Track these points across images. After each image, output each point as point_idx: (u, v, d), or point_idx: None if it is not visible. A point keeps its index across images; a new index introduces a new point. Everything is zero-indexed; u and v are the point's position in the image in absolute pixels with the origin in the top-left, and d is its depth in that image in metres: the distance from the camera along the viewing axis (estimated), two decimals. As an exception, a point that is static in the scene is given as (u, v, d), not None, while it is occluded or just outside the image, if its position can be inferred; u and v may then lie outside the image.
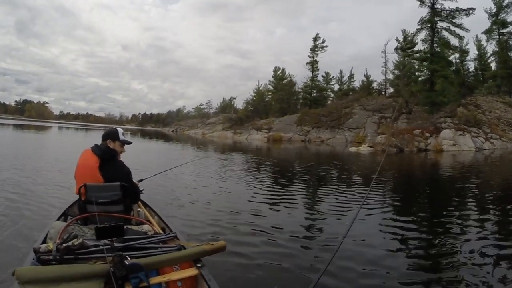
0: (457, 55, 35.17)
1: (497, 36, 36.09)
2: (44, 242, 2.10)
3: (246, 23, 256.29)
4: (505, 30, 35.38)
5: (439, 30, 30.37)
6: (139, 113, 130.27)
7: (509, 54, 34.18)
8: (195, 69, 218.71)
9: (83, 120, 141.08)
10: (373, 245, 3.96)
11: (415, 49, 43.65)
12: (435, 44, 30.40)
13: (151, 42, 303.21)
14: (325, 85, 55.69)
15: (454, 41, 30.97)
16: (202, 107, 79.90)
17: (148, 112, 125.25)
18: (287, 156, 20.58)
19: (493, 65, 42.04)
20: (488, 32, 36.46)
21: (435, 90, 29.14)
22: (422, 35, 31.50)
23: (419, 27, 31.38)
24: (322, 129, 41.07)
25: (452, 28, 29.53)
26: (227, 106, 71.29)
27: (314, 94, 52.74)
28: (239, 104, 71.30)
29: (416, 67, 33.02)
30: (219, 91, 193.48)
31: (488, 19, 36.18)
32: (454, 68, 31.98)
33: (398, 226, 4.84)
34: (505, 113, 28.84)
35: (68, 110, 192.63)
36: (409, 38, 33.11)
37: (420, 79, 33.08)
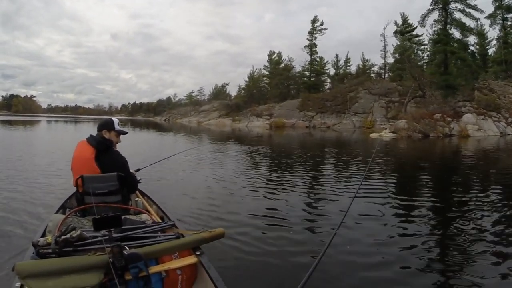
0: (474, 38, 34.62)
1: (501, 21, 36.02)
2: (43, 235, 2.07)
3: (235, 8, 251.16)
4: (509, 15, 35.33)
5: (452, 11, 29.73)
6: (129, 103, 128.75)
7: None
8: (184, 56, 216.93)
9: (72, 112, 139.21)
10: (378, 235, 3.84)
11: (418, 32, 45.05)
12: (448, 26, 29.76)
13: (138, 30, 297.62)
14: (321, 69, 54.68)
15: (468, 23, 30.43)
16: (194, 94, 77.69)
17: (138, 102, 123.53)
18: (297, 144, 19.05)
19: (491, 51, 42.70)
20: (491, 16, 36.23)
21: (449, 73, 28.64)
22: (434, 16, 30.75)
23: (431, 7, 30.58)
24: (327, 114, 40.23)
25: (467, 9, 28.92)
26: (219, 93, 69.09)
27: (313, 78, 51.53)
28: (232, 90, 69.40)
29: (429, 49, 32.21)
30: (209, 79, 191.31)
31: (492, 3, 35.90)
32: (469, 50, 31.54)
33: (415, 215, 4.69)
34: (519, 97, 28.92)
35: (57, 103, 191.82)
36: (418, 20, 32.06)
37: (434, 61, 32.39)
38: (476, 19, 29.92)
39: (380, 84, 40.28)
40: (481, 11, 29.43)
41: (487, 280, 2.73)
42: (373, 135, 25.15)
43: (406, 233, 3.94)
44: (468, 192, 6.33)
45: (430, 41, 35.31)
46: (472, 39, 39.07)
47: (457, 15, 29.80)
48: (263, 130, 35.16)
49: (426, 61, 43.38)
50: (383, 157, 11.50)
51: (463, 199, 5.77)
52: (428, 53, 45.68)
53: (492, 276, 2.80)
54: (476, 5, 28.84)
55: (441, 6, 29.78)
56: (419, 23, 32.74)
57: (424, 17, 31.66)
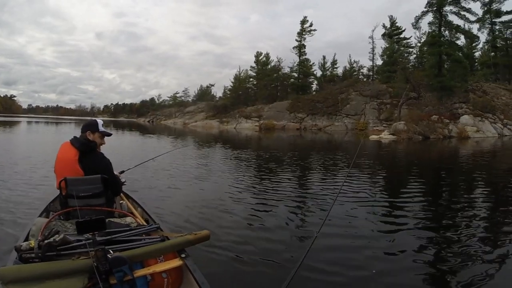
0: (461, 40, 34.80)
1: (490, 25, 36.51)
2: (26, 239, 2.03)
3: (221, 8, 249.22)
4: (498, 20, 35.87)
5: (446, 14, 29.70)
6: (111, 104, 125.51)
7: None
8: (168, 56, 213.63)
9: (53, 113, 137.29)
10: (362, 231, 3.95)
11: (406, 35, 45.35)
12: (442, 28, 29.71)
13: (122, 29, 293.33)
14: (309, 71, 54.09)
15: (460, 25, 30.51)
16: (178, 95, 75.18)
17: (120, 103, 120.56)
18: (289, 147, 18.13)
19: (477, 53, 43.37)
20: (480, 20, 36.68)
21: (444, 75, 28.50)
22: (428, 18, 30.70)
23: (425, 9, 30.56)
24: (318, 116, 39.42)
25: (462, 12, 28.96)
26: (204, 94, 67.39)
27: (301, 80, 50.83)
28: (217, 92, 67.88)
29: (417, 51, 32.10)
30: (193, 80, 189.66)
31: (481, 8, 36.39)
32: (463, 52, 31.58)
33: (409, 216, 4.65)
34: (511, 99, 29.09)
35: (38, 103, 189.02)
36: (415, 24, 32.00)
37: (427, 63, 32.28)
38: (471, 22, 30.00)
39: (371, 86, 39.85)
40: (475, 14, 29.58)
41: (475, 280, 2.76)
42: (373, 137, 24.43)
43: (391, 233, 3.97)
44: (473, 193, 6.43)
45: (419, 43, 35.22)
46: (459, 42, 39.66)
47: (451, 17, 29.89)
48: (253, 132, 34.03)
49: (412, 63, 43.69)
50: (388, 159, 11.74)
51: (464, 200, 5.84)
52: (415, 55, 46.59)
53: (480, 277, 2.81)
54: (470, 8, 28.97)
55: (435, 8, 29.72)
56: (412, 25, 32.80)
57: (418, 19, 31.71)
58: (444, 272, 2.95)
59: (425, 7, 30.38)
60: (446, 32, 29.37)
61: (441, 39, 29.23)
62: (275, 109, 42.93)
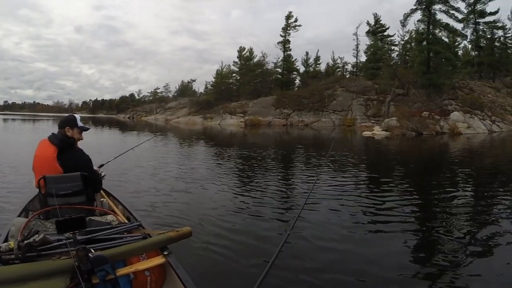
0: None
1: (474, 25, 37.00)
2: (5, 240, 1.96)
3: (203, 3, 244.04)
4: (482, 20, 36.44)
5: (435, 12, 29.69)
6: (90, 100, 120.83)
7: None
8: (148, 51, 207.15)
9: (30, 109, 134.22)
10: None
11: (389, 33, 45.59)
12: (430, 26, 29.69)
13: (101, 22, 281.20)
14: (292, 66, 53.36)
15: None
16: (159, 91, 72.41)
17: (99, 99, 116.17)
18: (278, 144, 17.85)
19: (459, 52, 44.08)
20: (464, 20, 37.03)
21: (433, 72, 28.50)
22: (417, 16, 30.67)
23: (414, 7, 30.45)
24: (304, 112, 38.78)
25: (451, 11, 29.00)
26: (186, 89, 65.28)
27: (285, 76, 50.05)
28: (199, 87, 66.01)
29: (412, 46, 32.10)
30: (173, 75, 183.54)
31: (465, 8, 36.73)
32: (451, 51, 31.71)
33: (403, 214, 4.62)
34: (496, 97, 29.50)
35: (14, 99, 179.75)
36: (404, 21, 31.80)
37: (416, 60, 32.25)
38: (460, 21, 30.14)
39: (357, 82, 39.58)
40: (463, 13, 29.70)
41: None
42: (366, 133, 24.00)
43: (371, 230, 3.96)
44: (475, 188, 6.53)
45: (402, 41, 35.15)
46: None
47: (439, 16, 29.91)
48: (238, 129, 33.12)
49: (396, 61, 43.90)
50: (384, 155, 11.84)
51: (464, 195, 5.88)
52: (397, 53, 46.94)
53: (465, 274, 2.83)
54: (459, 8, 29.05)
55: (424, 6, 29.62)
56: (400, 22, 32.66)
57: (406, 16, 31.61)
58: (427, 271, 2.94)
59: (414, 5, 30.19)
60: (436, 30, 29.28)
61: (430, 37, 29.16)
62: (260, 105, 41.92)
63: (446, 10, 29.12)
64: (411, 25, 48.02)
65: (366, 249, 3.37)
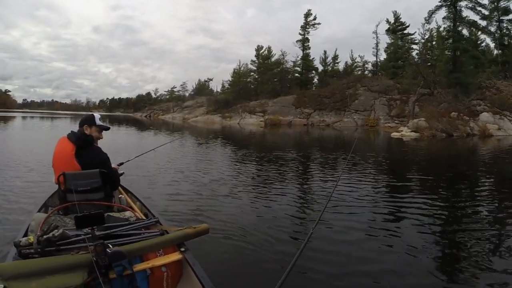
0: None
1: (497, 23, 36.45)
2: (25, 235, 2.01)
3: (217, 2, 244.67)
4: (505, 18, 35.85)
5: (461, 8, 29.39)
6: (107, 98, 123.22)
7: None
8: (164, 50, 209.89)
9: (48, 107, 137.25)
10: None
11: (410, 31, 45.27)
12: (457, 23, 29.42)
13: (118, 22, 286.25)
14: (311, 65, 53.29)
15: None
16: (176, 89, 73.33)
17: (116, 97, 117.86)
18: (307, 145, 17.61)
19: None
20: (487, 18, 36.62)
21: (461, 71, 28.27)
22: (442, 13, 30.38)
23: (439, 4, 30.12)
24: (326, 112, 38.82)
25: (477, 7, 28.71)
26: (203, 88, 65.74)
27: (303, 74, 50.05)
28: (215, 86, 66.39)
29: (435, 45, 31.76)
30: (190, 74, 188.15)
31: (489, 5, 36.27)
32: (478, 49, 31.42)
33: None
34: (524, 97, 29.12)
35: (33, 97, 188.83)
36: (428, 18, 31.54)
37: (442, 59, 31.99)
38: (484, 18, 29.76)
39: (379, 81, 39.44)
40: (489, 9, 29.31)
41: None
42: (395, 134, 24.02)
43: (392, 230, 3.96)
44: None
45: (423, 40, 34.72)
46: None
47: (465, 12, 29.60)
48: (257, 128, 33.08)
49: (416, 60, 43.54)
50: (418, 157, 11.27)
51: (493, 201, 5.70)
52: (417, 52, 46.54)
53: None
54: (485, 4, 28.70)
55: (449, 3, 29.35)
56: (425, 19, 32.33)
57: (431, 13, 31.23)
58: (448, 270, 2.97)
59: (439, 1, 29.91)
60: (464, 28, 29.05)
61: (456, 34, 28.91)
62: (280, 104, 42.07)
63: (473, 6, 28.80)
64: (433, 23, 47.31)
65: (385, 256, 3.27)
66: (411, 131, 23.88)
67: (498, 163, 11.35)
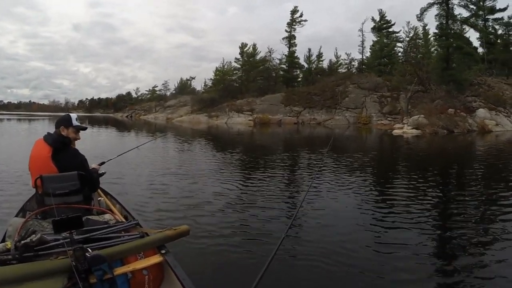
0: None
1: (483, 22, 37.08)
2: (2, 241, 1.94)
3: (198, 0, 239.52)
4: (491, 17, 36.53)
5: (453, 6, 29.45)
6: (86, 99, 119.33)
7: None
8: (145, 49, 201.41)
9: (26, 109, 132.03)
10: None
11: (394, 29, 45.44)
12: (449, 21, 29.45)
13: (98, 20, 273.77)
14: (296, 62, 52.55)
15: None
16: (157, 88, 70.93)
17: (96, 97, 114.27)
18: (300, 144, 17.28)
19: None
20: (473, 16, 37.21)
21: (454, 68, 28.29)
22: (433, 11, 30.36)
23: (431, 1, 30.09)
24: (316, 110, 38.08)
25: (470, 5, 28.85)
26: (185, 87, 63.66)
27: (292, 72, 49.27)
28: (197, 85, 64.64)
29: (433, 42, 31.78)
30: (170, 73, 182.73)
31: (474, 4, 36.86)
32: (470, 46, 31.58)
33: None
34: (514, 93, 29.58)
35: (10, 99, 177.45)
36: (420, 16, 31.45)
37: (435, 56, 32.02)
38: (480, 15, 29.97)
39: (368, 78, 39.17)
40: (481, 7, 29.53)
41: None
42: (396, 131, 23.50)
43: (379, 228, 3.99)
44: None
45: (407, 38, 34.76)
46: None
47: (457, 10, 29.69)
48: (246, 127, 31.84)
49: (401, 57, 43.77)
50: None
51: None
52: (401, 49, 46.84)
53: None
54: (477, 1, 28.84)
55: (441, 0, 29.33)
56: (417, 17, 32.19)
57: (423, 11, 31.13)
58: (444, 268, 2.99)
59: (431, -1, 29.88)
60: (456, 26, 29.07)
61: (449, 31, 28.92)
62: (268, 102, 40.94)
63: (465, 4, 28.91)
64: (415, 21, 47.82)
65: (364, 253, 3.30)
66: (412, 128, 23.43)
67: (503, 157, 11.27)
